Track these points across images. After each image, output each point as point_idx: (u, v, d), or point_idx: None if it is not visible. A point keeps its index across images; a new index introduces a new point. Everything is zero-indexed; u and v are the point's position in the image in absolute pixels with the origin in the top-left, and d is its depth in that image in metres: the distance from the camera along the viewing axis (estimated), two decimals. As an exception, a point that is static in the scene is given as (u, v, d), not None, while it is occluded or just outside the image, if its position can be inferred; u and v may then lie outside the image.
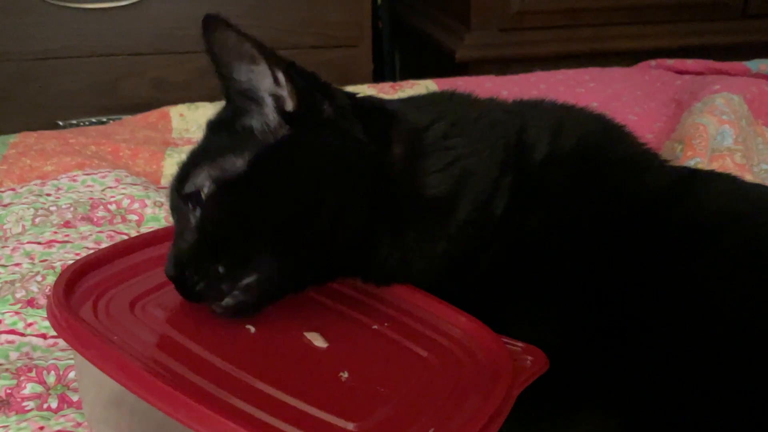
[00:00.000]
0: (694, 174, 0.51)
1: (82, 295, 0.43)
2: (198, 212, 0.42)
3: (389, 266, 0.46)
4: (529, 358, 0.42)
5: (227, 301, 0.41)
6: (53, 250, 0.64)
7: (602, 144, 0.49)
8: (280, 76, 0.44)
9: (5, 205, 0.71)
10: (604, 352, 0.42)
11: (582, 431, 0.42)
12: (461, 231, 0.45)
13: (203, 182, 0.42)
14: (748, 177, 0.74)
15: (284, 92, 0.44)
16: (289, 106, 0.44)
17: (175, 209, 0.45)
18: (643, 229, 0.44)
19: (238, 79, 0.44)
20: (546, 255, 0.44)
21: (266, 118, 0.44)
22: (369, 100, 0.50)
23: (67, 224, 0.69)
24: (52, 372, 0.50)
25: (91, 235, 0.67)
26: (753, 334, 0.40)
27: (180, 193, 0.44)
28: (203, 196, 0.42)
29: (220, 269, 0.41)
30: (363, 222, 0.44)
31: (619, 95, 0.96)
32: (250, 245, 0.42)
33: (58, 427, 0.45)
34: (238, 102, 0.45)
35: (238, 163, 0.42)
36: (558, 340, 0.43)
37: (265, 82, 0.44)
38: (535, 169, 0.46)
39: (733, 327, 0.40)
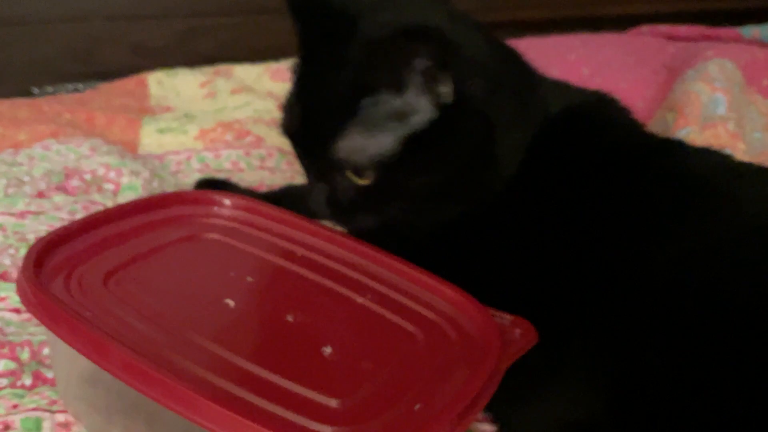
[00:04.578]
0: (678, 144, 0.53)
1: (53, 269, 0.41)
2: (352, 179, 0.46)
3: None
4: (518, 330, 0.41)
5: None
6: (26, 221, 0.62)
7: (598, 110, 0.51)
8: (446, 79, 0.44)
9: (-24, 176, 0.69)
10: (586, 320, 0.42)
11: (565, 406, 0.42)
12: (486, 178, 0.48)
13: (358, 158, 0.45)
14: (741, 146, 0.73)
15: (444, 88, 0.44)
16: (449, 98, 0.45)
17: (302, 151, 0.49)
18: (628, 189, 0.46)
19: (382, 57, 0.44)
20: (539, 207, 0.46)
21: (422, 98, 0.45)
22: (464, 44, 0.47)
23: (40, 195, 0.67)
24: (26, 348, 0.48)
25: (65, 205, 0.64)
26: (731, 301, 0.39)
27: (325, 148, 0.46)
28: (360, 168, 0.46)
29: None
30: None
31: (610, 62, 0.94)
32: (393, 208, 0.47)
33: (32, 405, 0.43)
34: (376, 75, 0.44)
35: (391, 143, 0.45)
36: (542, 305, 0.43)
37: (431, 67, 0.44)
38: (548, 127, 0.49)
39: (709, 290, 0.40)
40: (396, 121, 0.45)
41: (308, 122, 0.47)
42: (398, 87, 0.44)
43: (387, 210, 0.47)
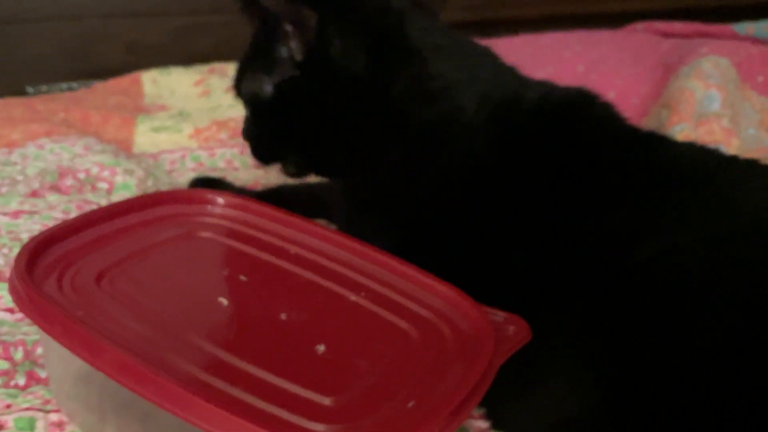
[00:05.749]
0: (662, 137, 0.53)
1: (46, 268, 0.41)
2: (249, 113, 0.58)
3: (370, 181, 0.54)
4: (512, 327, 0.41)
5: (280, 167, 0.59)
6: (20, 220, 0.62)
7: (581, 105, 0.53)
8: (289, 28, 0.51)
9: (-30, 175, 0.69)
10: (579, 316, 0.42)
11: (558, 401, 0.42)
12: (442, 172, 0.51)
13: (246, 94, 0.57)
14: (735, 142, 0.73)
15: (294, 45, 0.52)
16: (298, 56, 0.52)
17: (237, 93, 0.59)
18: (615, 180, 0.47)
19: (269, 12, 0.52)
20: (513, 196, 0.48)
21: (286, 53, 0.53)
22: (398, 30, 0.53)
23: (34, 194, 0.66)
24: (20, 348, 0.48)
25: (59, 204, 0.64)
26: (721, 295, 0.39)
27: (239, 88, 0.58)
28: (247, 107, 0.57)
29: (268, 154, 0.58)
30: (358, 141, 0.53)
31: (606, 59, 0.94)
32: (280, 144, 0.57)
33: (26, 405, 0.43)
34: (269, 29, 0.53)
35: (267, 88, 0.55)
36: (535, 302, 0.43)
37: (287, 28, 0.52)
38: (523, 120, 0.51)
39: (699, 284, 0.39)
40: (271, 69, 0.54)
41: (240, 74, 0.58)
42: (275, 40, 0.53)
43: (269, 143, 0.57)
